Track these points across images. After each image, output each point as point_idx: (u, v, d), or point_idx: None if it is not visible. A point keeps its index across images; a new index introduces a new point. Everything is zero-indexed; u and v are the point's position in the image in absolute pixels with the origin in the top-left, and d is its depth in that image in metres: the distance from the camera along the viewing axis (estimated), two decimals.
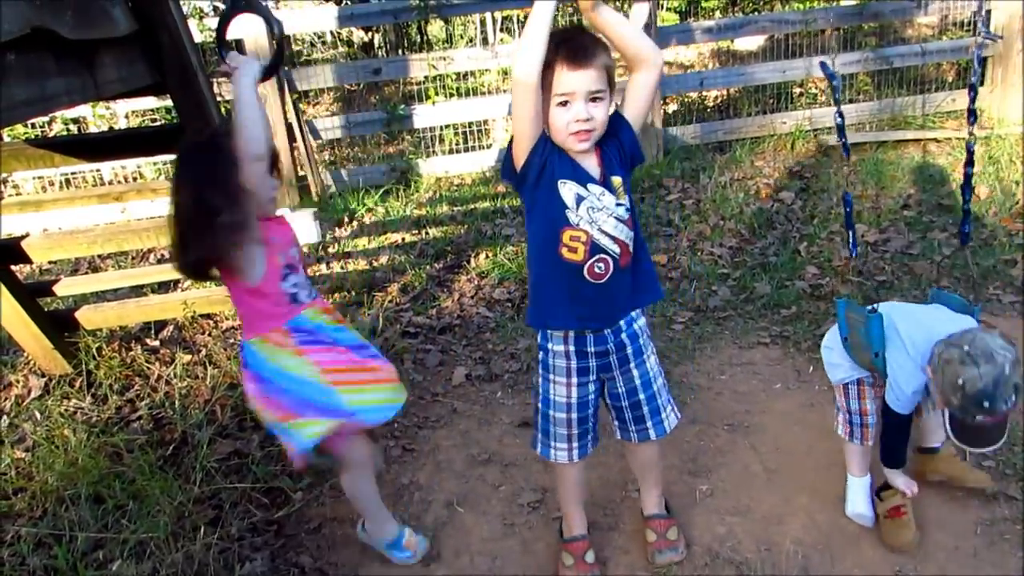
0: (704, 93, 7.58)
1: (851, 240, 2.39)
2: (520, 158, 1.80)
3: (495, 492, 2.54)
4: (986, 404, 1.79)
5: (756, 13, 9.91)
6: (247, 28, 5.49)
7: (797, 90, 6.98)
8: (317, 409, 1.94)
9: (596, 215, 1.79)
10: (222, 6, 8.97)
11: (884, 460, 2.16)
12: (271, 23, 2.13)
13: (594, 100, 1.74)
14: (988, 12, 6.01)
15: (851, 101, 6.64)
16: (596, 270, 1.83)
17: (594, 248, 1.81)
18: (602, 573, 2.15)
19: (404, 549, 2.23)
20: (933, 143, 5.76)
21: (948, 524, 2.22)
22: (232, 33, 5.67)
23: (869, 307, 2.14)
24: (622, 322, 1.96)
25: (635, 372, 2.00)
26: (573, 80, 1.71)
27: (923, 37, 7.80)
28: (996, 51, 6.15)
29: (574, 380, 1.98)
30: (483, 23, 10.27)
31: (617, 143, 1.83)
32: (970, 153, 2.26)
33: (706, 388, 3.01)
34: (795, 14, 6.46)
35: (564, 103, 1.74)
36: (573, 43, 1.73)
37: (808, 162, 5.67)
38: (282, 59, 1.93)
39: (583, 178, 1.80)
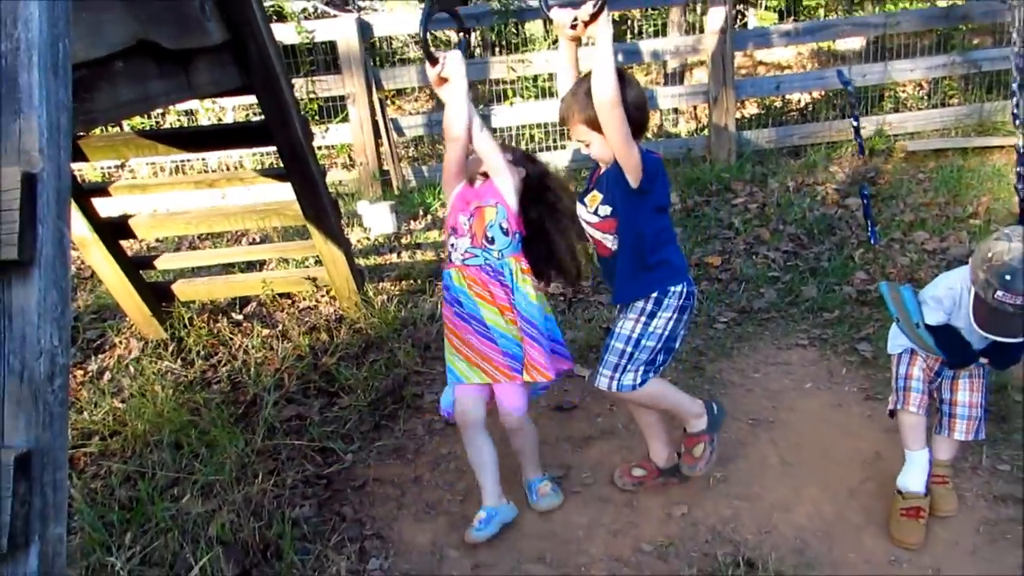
0: (787, 97, 7.54)
1: (870, 230, 2.50)
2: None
3: (519, 472, 2.74)
4: (1007, 278, 1.91)
5: (850, 15, 9.71)
6: (337, 31, 5.90)
7: (886, 93, 6.86)
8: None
9: (580, 210, 2.34)
10: (321, 6, 9.52)
11: (952, 364, 2.27)
12: (459, 19, 2.49)
13: (585, 144, 2.21)
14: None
15: (936, 106, 6.49)
16: (600, 250, 2.36)
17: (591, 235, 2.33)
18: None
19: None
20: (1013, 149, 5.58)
21: (951, 521, 2.29)
22: (327, 35, 5.98)
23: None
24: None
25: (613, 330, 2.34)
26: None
27: None
28: None
29: None
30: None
31: (615, 169, 2.17)
32: (1021, 157, 2.35)
33: (738, 384, 3.13)
34: (877, 17, 6.36)
35: None
36: (560, 109, 2.23)
37: (884, 168, 5.61)
38: (469, 45, 2.32)
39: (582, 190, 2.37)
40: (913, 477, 2.28)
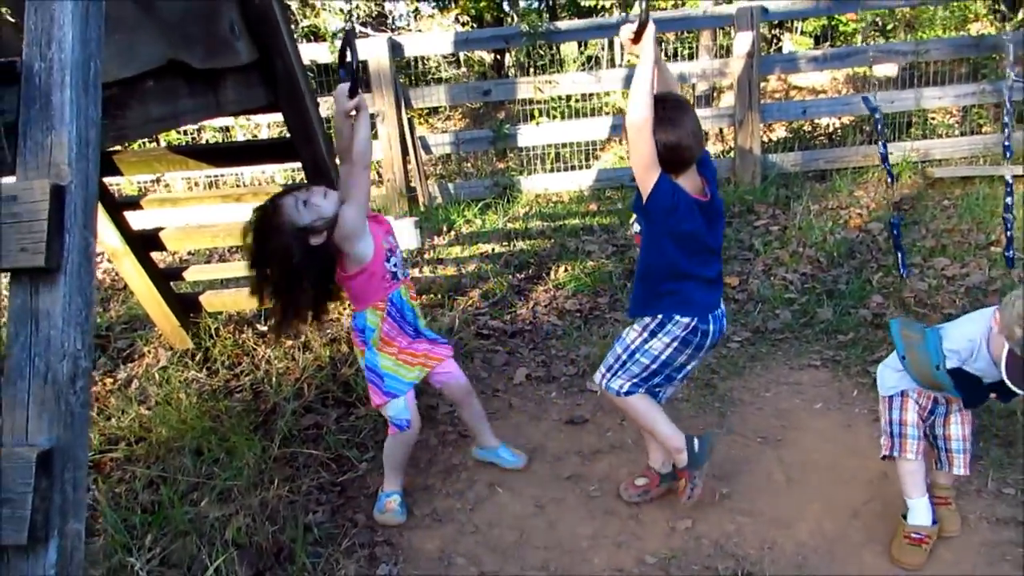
0: (815, 122, 7.55)
1: (900, 261, 2.50)
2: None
3: (533, 478, 2.80)
4: None
5: (889, 41, 9.67)
6: (369, 50, 6.06)
7: (914, 119, 6.83)
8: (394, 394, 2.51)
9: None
10: (362, 29, 9.77)
11: (967, 404, 2.23)
12: (353, 54, 2.50)
13: None
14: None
15: (964, 134, 6.46)
16: None
17: None
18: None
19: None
20: None
21: (953, 542, 2.29)
22: (360, 55, 6.22)
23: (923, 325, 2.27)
24: None
25: None
26: None
27: None
28: None
29: None
30: (610, 45, 10.56)
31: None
32: (1008, 187, 2.33)
33: (748, 403, 3.14)
34: (906, 44, 6.36)
35: None
36: None
37: (910, 194, 5.59)
38: (357, 78, 2.37)
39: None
40: (920, 516, 2.27)
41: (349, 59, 2.38)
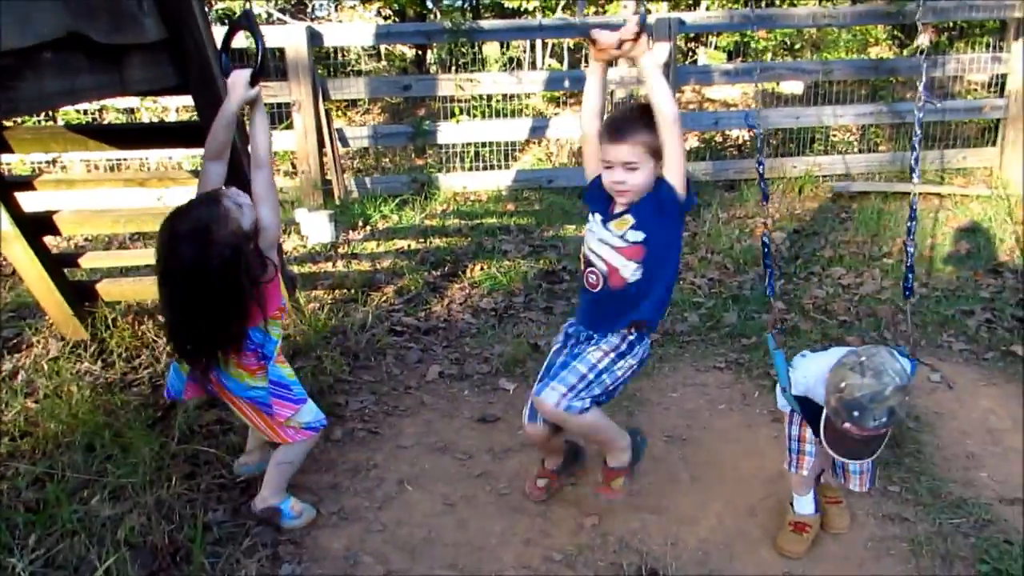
0: (726, 133, 7.82)
1: (768, 281, 2.59)
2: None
3: (443, 476, 2.78)
4: (855, 414, 1.90)
5: (796, 59, 10.10)
6: (286, 38, 5.90)
7: (817, 136, 7.16)
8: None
9: (588, 236, 2.30)
10: (276, 13, 9.51)
11: (815, 431, 2.21)
12: (257, 39, 2.43)
13: (630, 168, 2.14)
14: (933, 78, 6.18)
15: (862, 151, 6.82)
16: (588, 280, 2.30)
17: (587, 261, 2.29)
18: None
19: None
20: (936, 197, 5.91)
21: (842, 537, 2.41)
22: (276, 42, 6.05)
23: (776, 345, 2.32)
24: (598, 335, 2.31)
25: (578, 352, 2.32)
26: (611, 152, 2.16)
27: (962, 91, 7.91)
28: (1010, 114, 6.28)
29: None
30: (532, 48, 10.63)
31: (654, 195, 2.18)
32: (912, 209, 2.42)
33: (655, 403, 3.22)
34: (813, 64, 6.68)
35: (608, 167, 2.19)
36: (615, 122, 2.21)
37: (810, 206, 5.86)
38: (264, 69, 2.30)
39: (598, 210, 2.28)
40: (804, 507, 2.40)
41: (251, 44, 2.29)
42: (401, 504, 2.64)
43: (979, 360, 3.48)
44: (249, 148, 2.34)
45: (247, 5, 2.39)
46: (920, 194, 5.86)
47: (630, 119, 2.17)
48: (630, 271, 2.19)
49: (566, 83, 6.79)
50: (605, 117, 2.26)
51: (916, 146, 2.60)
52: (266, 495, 2.48)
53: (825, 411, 2.01)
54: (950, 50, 7.91)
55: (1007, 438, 2.92)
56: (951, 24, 9.86)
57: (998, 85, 6.73)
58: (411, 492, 2.70)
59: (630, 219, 2.18)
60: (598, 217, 2.27)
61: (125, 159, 6.88)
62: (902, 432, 2.89)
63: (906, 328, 3.65)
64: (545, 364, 2.40)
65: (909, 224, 2.35)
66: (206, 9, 2.93)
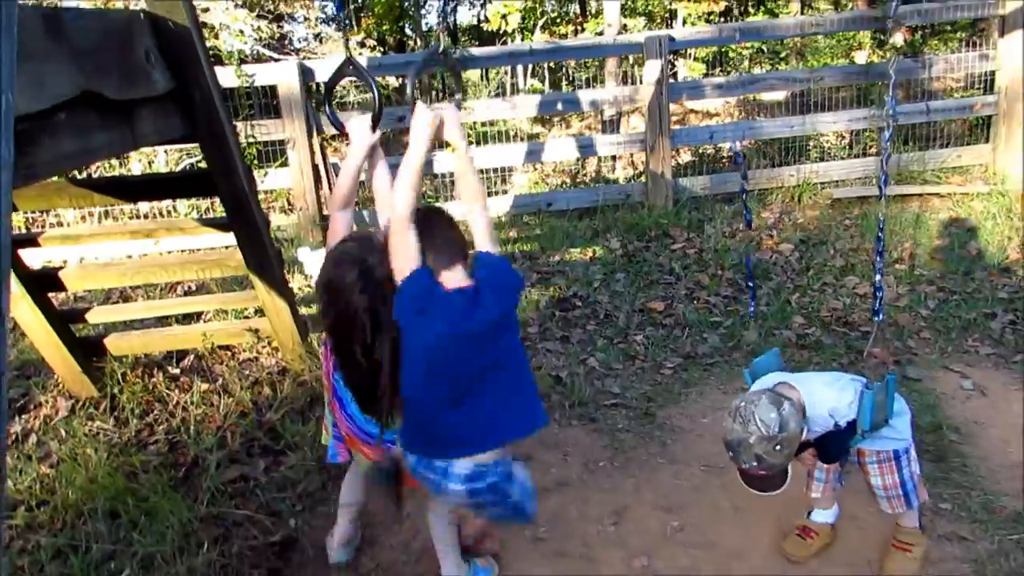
0: (719, 146, 7.82)
1: (751, 301, 2.56)
2: None
3: None
4: (730, 454, 2.09)
5: (775, 68, 10.22)
6: (278, 75, 5.87)
7: (810, 143, 7.18)
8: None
9: None
10: (261, 48, 9.48)
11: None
12: (371, 82, 2.38)
13: None
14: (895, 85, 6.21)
15: (858, 156, 6.83)
16: None
17: None
18: None
19: None
20: (936, 198, 5.91)
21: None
22: (268, 79, 5.99)
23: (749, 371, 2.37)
24: None
25: None
26: None
27: (947, 90, 7.98)
28: (1001, 110, 6.29)
29: None
30: (512, 72, 10.68)
31: None
32: (880, 225, 2.44)
33: (688, 430, 3.16)
34: (803, 72, 6.70)
35: None
36: None
37: (812, 215, 5.84)
38: (382, 110, 2.26)
39: None
40: (820, 516, 2.46)
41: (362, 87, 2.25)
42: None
43: (1008, 364, 3.45)
44: (374, 190, 2.25)
45: (346, 54, 2.33)
46: (922, 195, 5.94)
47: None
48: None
49: (559, 105, 6.78)
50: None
51: (884, 164, 2.58)
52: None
53: None
54: (925, 49, 7.98)
55: None
56: (922, 24, 10.05)
57: (982, 82, 6.78)
58: None
59: None
60: None
61: (121, 209, 6.79)
62: (945, 446, 2.84)
63: (929, 337, 3.65)
64: None
65: (878, 246, 2.32)
66: (209, 55, 2.87)
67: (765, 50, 11.55)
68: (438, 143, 2.11)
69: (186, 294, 5.07)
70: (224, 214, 3.20)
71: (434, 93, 7.85)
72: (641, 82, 6.17)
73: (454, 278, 1.88)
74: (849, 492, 2.45)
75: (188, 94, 2.73)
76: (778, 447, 2.00)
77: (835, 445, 2.19)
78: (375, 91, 2.28)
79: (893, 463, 2.22)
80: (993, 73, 6.37)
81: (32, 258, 3.37)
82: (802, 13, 10.25)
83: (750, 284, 2.43)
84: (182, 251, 5.28)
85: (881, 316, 2.29)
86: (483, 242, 1.97)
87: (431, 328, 1.84)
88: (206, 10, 8.55)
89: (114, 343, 3.69)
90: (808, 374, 2.33)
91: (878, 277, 2.33)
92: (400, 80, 13.24)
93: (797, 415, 2.04)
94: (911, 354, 3.60)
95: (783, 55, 9.47)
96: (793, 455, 2.08)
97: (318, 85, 7.20)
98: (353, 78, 2.46)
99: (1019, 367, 3.43)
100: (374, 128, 2.21)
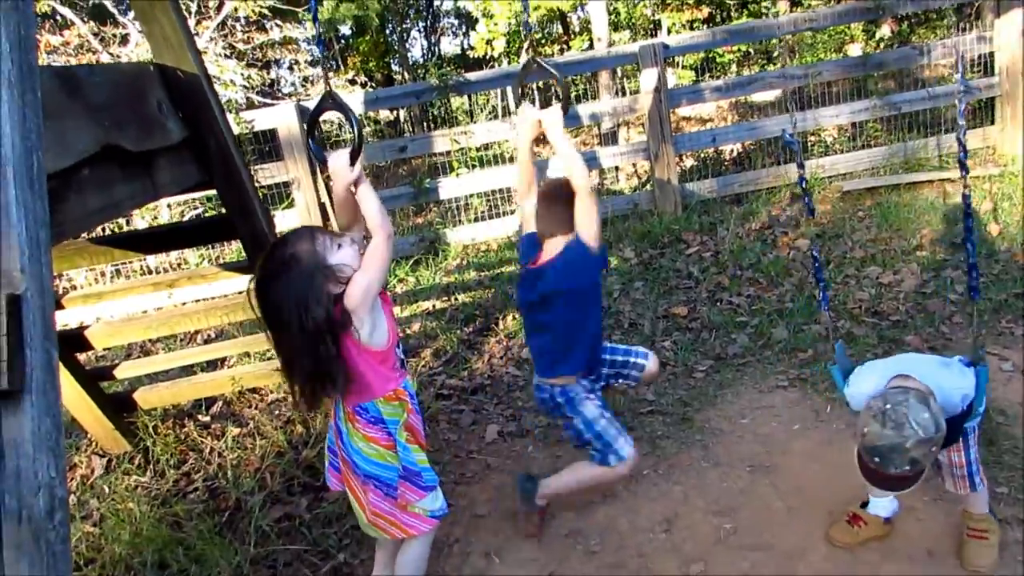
0: (720, 148, 7.83)
1: (822, 295, 2.49)
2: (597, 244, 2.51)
3: (529, 541, 2.67)
4: (876, 460, 1.89)
5: (764, 69, 10.26)
6: (277, 118, 5.93)
7: (812, 139, 7.18)
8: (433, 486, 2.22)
9: None
10: (256, 98, 9.59)
11: None
12: (351, 117, 2.32)
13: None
14: (964, 61, 6.19)
15: (863, 147, 6.82)
16: None
17: None
18: None
19: None
20: (948, 183, 5.88)
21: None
22: (267, 123, 6.04)
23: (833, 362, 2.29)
24: None
25: None
26: None
27: (941, 77, 7.99)
28: (1003, 90, 6.28)
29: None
30: (504, 95, 10.74)
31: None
32: (967, 205, 2.30)
33: (728, 432, 3.13)
34: (800, 68, 6.70)
35: None
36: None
37: (824, 209, 5.82)
38: (362, 144, 2.23)
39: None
40: (876, 508, 2.40)
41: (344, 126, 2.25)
42: None
43: None
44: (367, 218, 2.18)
45: (325, 89, 2.33)
46: (933, 181, 5.92)
47: (547, 211, 2.45)
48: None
49: None
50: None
51: (960, 139, 2.45)
52: None
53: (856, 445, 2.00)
54: (913, 38, 7.99)
55: None
56: (909, 13, 10.08)
57: (980, 65, 6.78)
58: (498, 564, 2.59)
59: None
60: None
61: (127, 263, 6.83)
62: (993, 428, 2.79)
63: (960, 321, 3.61)
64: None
65: (966, 221, 2.18)
66: (221, 102, 2.89)
67: (752, 52, 11.62)
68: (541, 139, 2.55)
69: (206, 342, 5.08)
70: (244, 257, 3.21)
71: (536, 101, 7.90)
72: (639, 91, 6.20)
73: (551, 249, 2.43)
74: None
75: (202, 141, 2.76)
76: (934, 448, 1.88)
77: (955, 429, 2.06)
78: (355, 125, 2.26)
79: (961, 440, 2.17)
80: (991, 55, 6.37)
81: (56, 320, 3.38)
82: (791, 11, 10.30)
83: (819, 277, 2.38)
84: (196, 300, 5.30)
85: (977, 296, 2.20)
86: (580, 224, 2.37)
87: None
88: (205, 66, 8.67)
89: (143, 396, 3.69)
90: (912, 361, 2.17)
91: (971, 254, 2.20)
92: (393, 113, 13.36)
93: (942, 410, 1.92)
94: (945, 339, 3.56)
95: (775, 55, 9.49)
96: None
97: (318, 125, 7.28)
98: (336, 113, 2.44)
99: None
100: (353, 162, 2.14)
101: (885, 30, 10.21)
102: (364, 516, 2.19)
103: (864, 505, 2.41)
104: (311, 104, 6.26)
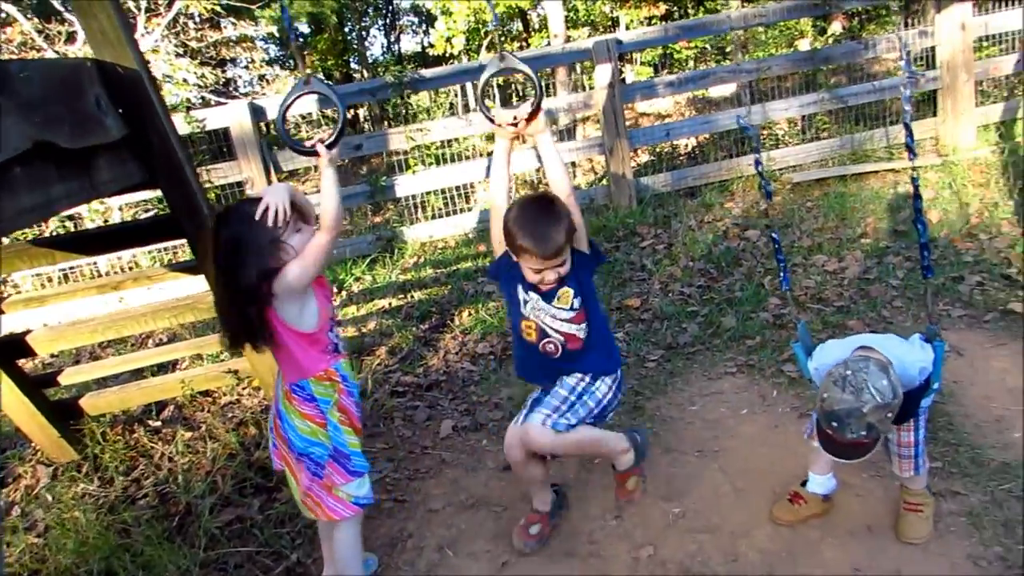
0: (675, 143, 7.92)
1: (783, 275, 2.55)
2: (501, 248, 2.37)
3: (482, 533, 2.68)
4: (834, 424, 1.96)
5: (717, 64, 10.42)
6: (229, 117, 5.86)
7: (764, 132, 7.30)
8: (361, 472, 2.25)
9: (539, 313, 2.32)
10: (207, 94, 9.43)
11: None
12: (338, 100, 2.33)
13: (559, 267, 2.22)
14: (909, 52, 6.36)
15: (813, 140, 6.96)
16: (547, 348, 2.35)
17: (543, 333, 2.33)
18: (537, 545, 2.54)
19: None
20: (892, 173, 6.03)
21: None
22: (219, 122, 5.97)
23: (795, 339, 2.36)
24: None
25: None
26: (543, 264, 2.20)
27: (887, 71, 8.20)
28: (944, 83, 6.46)
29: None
30: (464, 92, 10.74)
31: (576, 262, 2.30)
32: (916, 187, 2.36)
33: (678, 419, 3.18)
34: (751, 63, 6.82)
35: (538, 271, 2.23)
36: (541, 235, 2.16)
37: (776, 200, 5.93)
38: (345, 129, 2.25)
39: (528, 287, 2.32)
40: (814, 486, 2.46)
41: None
42: (448, 571, 2.53)
43: (980, 323, 3.52)
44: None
45: (305, 75, 2.30)
46: (879, 172, 6.06)
47: (552, 225, 2.17)
48: (582, 332, 2.33)
49: None
50: (517, 206, 2.26)
51: (908, 125, 2.50)
52: None
53: (814, 412, 2.06)
54: (864, 34, 8.20)
55: None
56: (859, 10, 10.31)
57: (923, 59, 6.96)
58: (453, 557, 2.60)
59: (570, 291, 2.29)
60: (534, 295, 2.32)
61: (75, 267, 6.69)
62: (930, 407, 2.87)
63: (901, 305, 3.71)
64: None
65: (915, 203, 2.24)
66: (163, 99, 2.85)
67: (710, 48, 11.79)
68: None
69: (157, 345, 5.00)
70: (192, 257, 3.17)
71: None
72: (594, 87, 6.25)
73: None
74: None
75: (144, 138, 2.70)
76: (890, 415, 1.93)
77: (912, 404, 2.12)
78: (341, 108, 2.27)
79: (912, 421, 2.23)
80: (933, 49, 6.55)
81: None
82: (743, 7, 10.48)
83: (779, 259, 2.43)
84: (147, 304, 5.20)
85: (931, 274, 2.25)
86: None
87: None
88: (147, 63, 8.51)
89: (90, 403, 3.61)
90: (873, 336, 2.23)
91: (921, 234, 2.24)
92: (353, 112, 13.26)
93: (900, 380, 1.97)
94: (886, 323, 3.65)
95: (727, 51, 9.65)
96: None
97: (268, 124, 7.20)
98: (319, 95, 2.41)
99: (991, 326, 3.50)
100: (333, 145, 2.20)
101: (837, 26, 10.44)
102: (298, 493, 2.26)
103: (804, 484, 2.47)
104: (266, 102, 6.20)
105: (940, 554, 2.23)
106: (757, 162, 2.46)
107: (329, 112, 7.47)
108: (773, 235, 2.50)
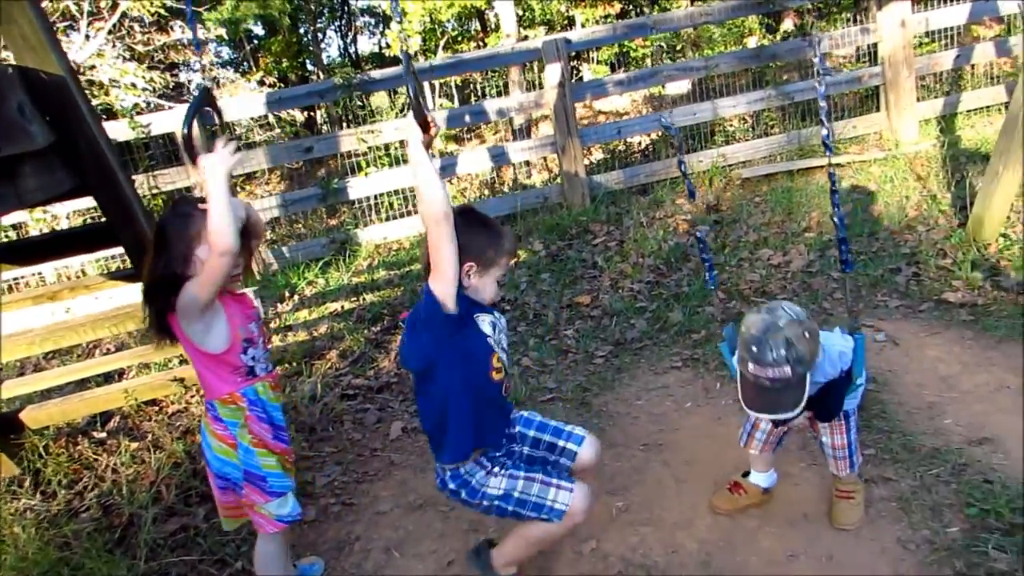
0: (629, 141, 7.99)
1: (708, 274, 2.60)
2: (450, 297, 1.84)
3: (429, 534, 2.69)
4: (754, 348, 1.94)
5: (673, 62, 10.52)
6: (175, 122, 5.77)
7: (716, 129, 7.40)
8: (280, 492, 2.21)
9: (500, 336, 2.01)
10: (155, 100, 9.27)
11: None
12: (218, 113, 2.38)
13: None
14: (824, 55, 6.50)
15: (761, 136, 7.08)
16: (507, 386, 2.09)
17: (503, 365, 2.02)
18: None
19: None
20: (838, 168, 6.16)
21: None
22: (165, 127, 5.86)
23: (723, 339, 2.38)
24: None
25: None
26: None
27: (834, 67, 8.35)
28: (887, 79, 6.61)
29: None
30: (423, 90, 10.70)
31: None
32: (832, 183, 2.39)
33: (624, 414, 3.21)
34: (698, 61, 6.90)
35: (502, 277, 2.01)
36: (505, 229, 2.03)
37: (725, 196, 6.02)
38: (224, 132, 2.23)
39: (487, 309, 2.00)
40: (756, 479, 2.52)
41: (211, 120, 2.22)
42: (394, 571, 2.53)
43: (916, 313, 3.62)
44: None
45: (203, 83, 2.29)
46: (821, 167, 6.18)
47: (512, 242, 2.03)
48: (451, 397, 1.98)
49: (467, 118, 6.82)
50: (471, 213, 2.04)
51: (824, 123, 2.57)
52: None
53: (738, 369, 2.07)
54: (815, 30, 8.35)
55: (961, 382, 3.03)
56: (812, 7, 10.50)
57: (867, 55, 7.12)
58: (399, 559, 2.60)
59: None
60: (494, 315, 2.02)
61: (21, 277, 6.54)
62: (865, 394, 2.95)
63: (840, 297, 3.79)
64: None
65: (832, 198, 2.29)
66: (92, 106, 2.80)
67: (664, 46, 11.91)
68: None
69: (105, 355, 4.90)
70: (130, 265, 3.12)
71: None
72: (544, 87, 6.27)
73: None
74: (783, 451, 2.53)
75: (72, 145, 2.66)
76: (807, 333, 1.93)
77: (836, 397, 2.14)
78: (219, 119, 2.28)
79: (843, 423, 2.28)
80: (876, 45, 6.70)
81: None
82: (691, 5, 10.61)
83: (704, 257, 2.45)
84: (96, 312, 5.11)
85: (850, 268, 2.28)
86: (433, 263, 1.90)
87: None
88: (92, 67, 8.33)
89: (31, 416, 3.53)
90: None
91: (839, 228, 2.27)
92: (306, 114, 13.14)
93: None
94: (827, 314, 3.74)
95: (680, 49, 9.76)
96: (817, 355, 1.97)
97: (211, 129, 7.10)
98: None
99: (926, 315, 3.60)
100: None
101: (788, 24, 10.62)
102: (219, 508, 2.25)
103: (746, 475, 2.53)
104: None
105: (871, 539, 2.29)
106: (681, 162, 2.51)
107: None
108: (698, 234, 2.55)
